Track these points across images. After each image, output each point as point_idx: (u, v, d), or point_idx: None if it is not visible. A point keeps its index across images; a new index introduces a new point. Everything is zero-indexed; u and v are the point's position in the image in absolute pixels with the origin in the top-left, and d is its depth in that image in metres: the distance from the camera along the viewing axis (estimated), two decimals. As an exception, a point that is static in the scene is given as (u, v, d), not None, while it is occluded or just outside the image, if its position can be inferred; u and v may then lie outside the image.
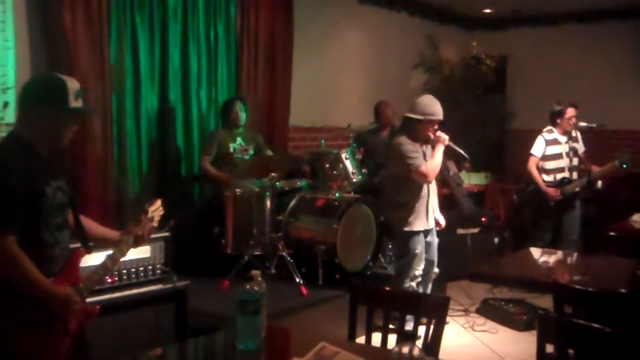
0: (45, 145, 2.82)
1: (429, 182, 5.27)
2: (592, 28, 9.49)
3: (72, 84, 2.81)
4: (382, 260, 6.51)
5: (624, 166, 6.52)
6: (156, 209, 3.28)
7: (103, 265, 3.01)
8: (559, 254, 5.01)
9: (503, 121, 9.92)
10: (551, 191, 6.73)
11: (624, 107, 9.13)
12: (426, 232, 5.39)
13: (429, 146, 5.31)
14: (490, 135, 9.54)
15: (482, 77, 9.86)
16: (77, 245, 2.98)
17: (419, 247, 5.32)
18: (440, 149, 5.20)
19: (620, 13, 9.15)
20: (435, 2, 9.29)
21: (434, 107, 5.16)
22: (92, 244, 3.03)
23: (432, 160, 5.18)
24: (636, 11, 8.99)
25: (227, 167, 6.09)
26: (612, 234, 4.94)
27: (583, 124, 6.73)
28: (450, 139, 5.27)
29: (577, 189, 6.75)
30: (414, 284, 5.36)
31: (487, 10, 9.95)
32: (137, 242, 3.13)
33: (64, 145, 2.90)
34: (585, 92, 9.09)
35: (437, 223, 5.52)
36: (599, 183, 7.09)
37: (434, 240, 5.51)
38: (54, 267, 2.78)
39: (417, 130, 5.18)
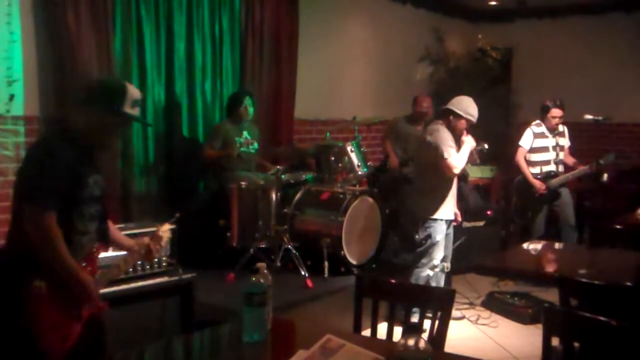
0: (91, 140, 2.97)
1: (453, 175, 5.35)
2: (597, 20, 9.46)
3: (133, 92, 2.99)
4: (388, 252, 6.51)
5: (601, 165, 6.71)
6: (165, 231, 3.33)
7: (117, 266, 3.16)
8: (564, 246, 5.00)
9: (509, 113, 9.88)
10: (537, 183, 6.88)
11: (629, 100, 9.09)
12: (448, 223, 5.48)
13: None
14: (495, 127, 9.51)
15: (488, 70, 9.82)
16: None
17: (441, 236, 5.40)
18: (466, 149, 5.33)
19: (626, 5, 9.12)
20: (440, -6, 9.27)
21: (474, 109, 5.37)
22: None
23: (460, 154, 5.29)
24: (640, 3, 8.96)
25: (232, 160, 6.07)
26: (618, 227, 4.92)
27: (589, 116, 6.75)
28: (476, 147, 5.46)
29: (557, 185, 6.89)
30: (431, 273, 5.40)
31: (493, 3, 9.91)
32: (147, 255, 3.25)
33: (109, 146, 3.15)
34: (591, 85, 9.09)
35: (455, 217, 5.59)
36: (605, 176, 7.09)
37: (451, 233, 5.57)
38: (81, 254, 2.91)
39: (455, 125, 5.33)
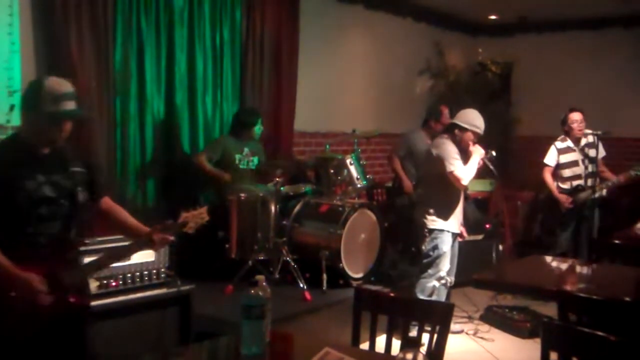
0: (31, 141, 2.97)
1: (461, 188, 5.40)
2: (597, 35, 9.49)
3: (54, 88, 2.94)
4: (386, 266, 6.50)
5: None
6: (195, 216, 3.28)
7: (95, 261, 3.18)
8: (563, 261, 5.00)
9: (508, 128, 9.90)
10: (563, 198, 6.73)
11: (628, 114, 9.11)
12: (453, 237, 5.50)
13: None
14: (495, 141, 9.52)
15: (488, 84, 9.86)
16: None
17: (447, 247, 5.42)
18: (474, 159, 5.34)
19: (625, 20, 9.15)
20: (441, 8, 9.29)
21: (479, 121, 5.40)
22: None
23: (468, 167, 5.31)
24: (640, 18, 9.00)
25: (230, 175, 6.07)
26: (617, 241, 4.92)
27: (588, 131, 6.71)
28: (485, 156, 5.44)
29: (593, 197, 6.67)
30: (437, 284, 5.41)
31: (493, 17, 9.95)
32: (148, 245, 3.20)
33: (55, 144, 3.02)
34: (591, 99, 9.08)
35: (460, 233, 5.62)
36: (604, 190, 7.06)
37: (455, 247, 5.57)
38: (40, 254, 2.89)
39: (461, 138, 5.37)
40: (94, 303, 3.60)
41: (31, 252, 2.89)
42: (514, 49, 10.16)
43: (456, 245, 5.61)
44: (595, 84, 9.40)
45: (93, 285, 4.20)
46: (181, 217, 3.23)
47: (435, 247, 5.41)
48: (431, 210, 5.42)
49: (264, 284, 2.60)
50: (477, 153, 5.35)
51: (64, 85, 2.99)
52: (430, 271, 5.43)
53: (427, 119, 7.07)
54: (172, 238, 3.24)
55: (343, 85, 8.33)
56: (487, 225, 7.46)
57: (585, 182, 6.73)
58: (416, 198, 6.29)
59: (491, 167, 5.57)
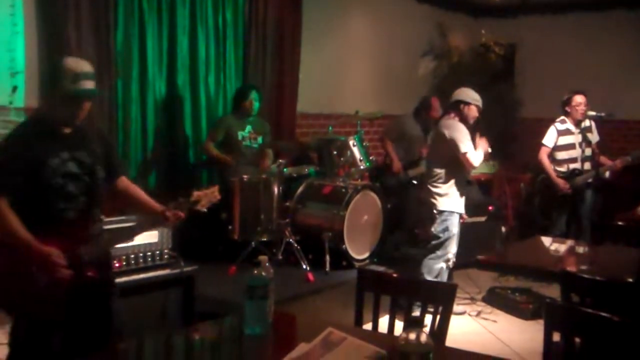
0: (53, 120, 3.05)
1: (471, 169, 5.52)
2: (601, 16, 9.43)
3: (71, 67, 3.01)
4: (389, 247, 6.52)
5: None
6: (207, 194, 3.33)
7: (108, 238, 3.26)
8: (566, 242, 5.00)
9: (511, 109, 9.86)
10: (561, 182, 6.71)
11: (633, 96, 9.07)
12: (458, 215, 5.55)
13: None
14: (498, 123, 9.50)
15: (491, 65, 9.79)
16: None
17: (457, 229, 5.49)
18: (481, 148, 5.46)
19: (629, 2, 9.09)
20: (444, -11, 9.25)
21: (478, 96, 5.56)
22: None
23: (478, 151, 5.43)
24: (643, 0, 8.95)
25: (234, 154, 6.06)
26: (619, 223, 4.92)
27: (592, 113, 6.68)
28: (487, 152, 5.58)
29: (589, 180, 6.72)
30: (444, 265, 5.45)
31: (497, -2, 9.90)
32: (162, 222, 3.33)
33: (71, 123, 3.09)
34: (594, 81, 9.04)
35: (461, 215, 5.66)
36: (607, 173, 7.05)
37: (459, 228, 5.59)
38: (65, 230, 3.00)
39: (467, 113, 5.49)
40: None
41: (56, 227, 2.98)
42: (517, 31, 10.10)
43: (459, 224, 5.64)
44: (599, 66, 9.35)
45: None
46: (193, 195, 3.28)
47: (446, 229, 5.45)
48: (441, 191, 5.46)
49: (267, 264, 2.61)
50: (483, 144, 5.48)
51: (83, 65, 3.06)
52: (439, 252, 5.47)
53: (419, 109, 7.23)
54: (183, 215, 3.30)
55: (346, 66, 8.30)
56: (490, 207, 7.46)
57: (582, 165, 6.73)
58: (420, 179, 6.45)
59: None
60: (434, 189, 5.51)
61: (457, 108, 5.51)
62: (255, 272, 2.58)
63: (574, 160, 6.74)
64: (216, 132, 6.10)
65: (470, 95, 5.53)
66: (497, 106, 9.50)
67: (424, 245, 6.31)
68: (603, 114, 6.68)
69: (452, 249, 5.48)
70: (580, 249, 4.75)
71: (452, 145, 5.36)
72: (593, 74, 9.17)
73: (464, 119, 5.47)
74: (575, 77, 9.08)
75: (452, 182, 5.47)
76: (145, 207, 3.36)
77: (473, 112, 5.50)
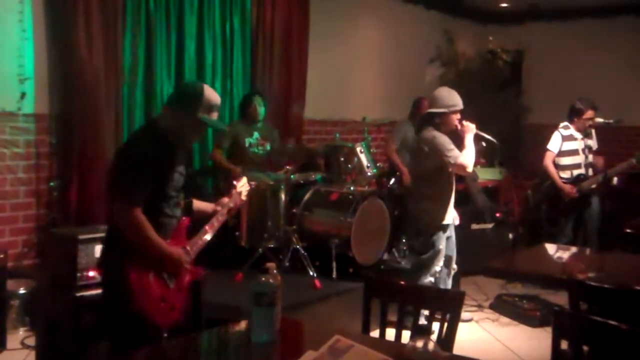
0: (172, 140, 3.25)
1: (469, 173, 5.33)
2: (608, 23, 9.43)
3: (209, 97, 3.25)
4: (396, 254, 6.52)
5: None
6: (243, 185, 3.73)
7: (203, 232, 3.46)
8: (574, 250, 4.98)
9: (518, 116, 9.87)
10: (567, 188, 6.69)
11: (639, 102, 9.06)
12: (446, 227, 5.37)
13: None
14: (505, 129, 9.50)
15: (498, 72, 9.81)
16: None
17: (443, 243, 5.32)
18: (469, 138, 5.15)
19: (636, 8, 9.08)
20: (451, -5, 9.27)
21: (454, 98, 5.18)
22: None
23: (466, 150, 5.11)
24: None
25: (242, 161, 6.06)
26: (628, 230, 4.90)
27: (600, 120, 6.67)
28: (477, 127, 5.25)
29: (593, 186, 6.71)
30: (432, 279, 5.36)
31: (504, 5, 9.90)
32: (229, 212, 3.59)
33: (188, 144, 3.46)
34: (602, 88, 9.03)
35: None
36: (615, 179, 7.04)
37: (452, 235, 5.50)
38: (169, 234, 3.28)
39: (444, 123, 5.15)
40: None
41: (167, 233, 3.25)
42: (525, 37, 10.11)
43: (453, 232, 5.49)
44: (606, 72, 9.35)
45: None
46: (233, 189, 3.69)
47: (433, 246, 5.28)
48: (425, 207, 5.29)
49: (275, 271, 2.60)
50: (470, 130, 5.16)
51: (217, 97, 3.32)
52: (425, 270, 5.33)
53: (412, 111, 7.16)
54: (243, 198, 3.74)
55: (353, 73, 8.32)
56: (498, 214, 7.44)
57: (587, 171, 6.73)
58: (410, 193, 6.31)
59: (486, 136, 5.45)
60: (418, 207, 5.36)
61: (432, 121, 5.17)
62: (263, 279, 2.58)
63: (577, 166, 6.73)
64: (222, 139, 6.10)
65: (444, 104, 5.13)
66: (505, 112, 9.53)
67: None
68: (611, 121, 6.68)
69: (440, 262, 5.33)
70: (589, 256, 4.74)
71: (434, 158, 5.10)
72: (600, 80, 9.17)
73: (440, 131, 5.13)
74: (583, 84, 9.07)
75: (437, 197, 5.26)
76: (205, 214, 3.58)
77: (451, 120, 5.14)
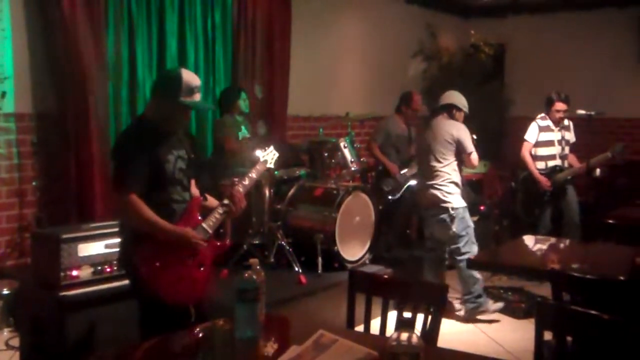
0: (161, 127, 3.33)
1: (474, 168, 6.11)
2: (590, 16, 9.48)
3: (188, 80, 3.27)
4: (381, 248, 6.52)
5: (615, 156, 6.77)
6: (268, 153, 3.96)
7: (217, 207, 3.52)
8: (557, 241, 5.01)
9: (502, 109, 9.90)
10: (543, 180, 6.83)
11: (622, 95, 9.12)
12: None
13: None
14: (489, 123, 9.52)
15: (481, 65, 9.81)
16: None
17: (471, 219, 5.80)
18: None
19: (618, 1, 9.13)
20: (433, -11, 9.27)
21: (465, 101, 5.81)
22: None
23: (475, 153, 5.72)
24: (631, -1, 9.01)
25: (237, 156, 6.01)
26: (610, 221, 4.93)
27: (581, 111, 6.72)
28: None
29: (569, 177, 6.84)
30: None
31: (486, -2, 9.92)
32: (229, 212, 3.58)
33: (176, 130, 3.42)
34: (584, 80, 9.11)
35: None
36: (597, 171, 7.10)
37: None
38: (183, 214, 3.37)
39: (457, 118, 5.75)
40: (89, 289, 3.91)
41: (175, 214, 3.33)
42: (507, 30, 10.14)
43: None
44: (588, 65, 9.41)
45: (87, 271, 4.22)
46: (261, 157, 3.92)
47: (467, 225, 5.68)
48: (452, 190, 5.66)
49: (258, 267, 2.60)
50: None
51: (196, 79, 3.34)
52: (464, 249, 5.65)
53: (399, 105, 7.16)
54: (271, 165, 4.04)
55: (336, 68, 8.31)
56: (482, 207, 7.47)
57: (562, 163, 6.86)
58: (405, 180, 6.83)
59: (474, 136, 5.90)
60: (443, 189, 5.66)
61: (449, 111, 5.75)
62: (246, 275, 2.57)
63: (553, 157, 6.88)
64: (232, 130, 6.01)
65: (462, 102, 5.77)
66: (488, 105, 9.54)
67: (416, 246, 6.35)
68: (593, 113, 6.72)
69: (474, 242, 5.71)
70: (571, 247, 4.77)
71: (459, 145, 5.63)
72: (582, 72, 9.23)
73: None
74: (565, 76, 9.14)
75: (458, 179, 5.71)
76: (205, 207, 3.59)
77: (461, 118, 5.77)
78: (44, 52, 5.33)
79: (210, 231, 3.43)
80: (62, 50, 5.31)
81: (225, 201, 3.54)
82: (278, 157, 4.13)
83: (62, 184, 5.43)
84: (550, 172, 6.84)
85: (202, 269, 3.40)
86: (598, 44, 9.43)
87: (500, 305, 5.88)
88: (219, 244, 3.54)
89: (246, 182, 3.71)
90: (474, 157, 5.69)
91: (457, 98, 5.79)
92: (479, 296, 5.71)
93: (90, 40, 5.46)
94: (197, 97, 3.34)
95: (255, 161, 4.01)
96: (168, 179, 3.32)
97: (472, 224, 5.77)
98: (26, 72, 5.31)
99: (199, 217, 3.44)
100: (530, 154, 6.91)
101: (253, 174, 3.79)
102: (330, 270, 5.72)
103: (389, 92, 8.20)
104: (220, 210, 3.51)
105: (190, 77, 3.31)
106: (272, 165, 4.05)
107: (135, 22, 5.90)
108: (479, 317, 5.84)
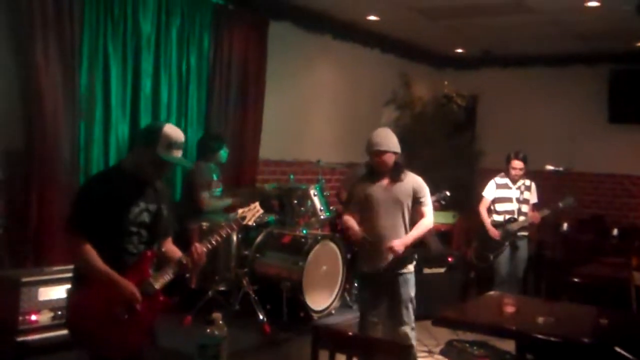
0: (137, 175, 3.33)
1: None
2: (559, 71, 9.66)
3: (169, 135, 3.29)
4: (348, 298, 6.48)
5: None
6: (250, 210, 3.86)
7: (172, 263, 3.46)
8: (523, 299, 5.01)
9: (472, 160, 9.98)
10: (492, 231, 6.98)
11: (589, 149, 9.26)
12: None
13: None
14: (459, 173, 9.59)
15: (453, 116, 9.94)
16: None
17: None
18: None
19: (586, 58, 9.35)
20: (408, 40, 9.37)
21: (374, 138, 4.91)
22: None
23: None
24: (601, 57, 9.23)
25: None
26: (576, 279, 4.95)
27: (550, 167, 6.82)
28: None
29: (524, 233, 6.97)
30: None
31: (459, 50, 10.07)
32: (182, 268, 3.51)
33: (152, 181, 3.41)
34: (553, 135, 9.25)
35: None
36: (565, 226, 7.16)
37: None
38: (129, 270, 3.29)
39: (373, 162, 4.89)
40: (49, 334, 3.90)
41: (123, 267, 3.25)
42: (479, 83, 10.28)
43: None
44: (558, 120, 9.56)
45: (47, 316, 4.14)
46: (238, 212, 3.83)
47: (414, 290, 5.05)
48: (415, 255, 5.01)
49: (221, 322, 2.57)
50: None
51: (178, 135, 3.34)
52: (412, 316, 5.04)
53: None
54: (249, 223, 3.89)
55: (309, 114, 8.34)
56: (450, 258, 7.47)
57: (518, 217, 6.96)
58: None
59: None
60: (407, 253, 4.89)
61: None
62: (208, 330, 2.54)
63: (511, 212, 7.00)
64: (207, 179, 6.00)
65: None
66: (459, 156, 9.63)
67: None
68: (561, 168, 6.82)
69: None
70: (537, 306, 4.76)
71: (423, 201, 4.89)
72: (552, 126, 9.36)
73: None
74: (536, 130, 9.27)
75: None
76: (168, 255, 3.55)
77: (381, 160, 4.83)
78: (16, 90, 5.28)
79: (156, 287, 3.36)
80: (32, 87, 5.25)
81: (183, 260, 3.46)
82: (262, 214, 4.03)
83: (23, 224, 5.32)
84: (504, 222, 6.99)
85: (136, 325, 3.28)
86: (568, 99, 9.61)
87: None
88: (161, 299, 3.41)
89: (213, 242, 3.60)
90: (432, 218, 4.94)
91: (393, 142, 4.87)
92: None
93: (61, 78, 5.41)
94: (177, 153, 3.33)
95: (228, 215, 3.92)
96: (125, 229, 3.29)
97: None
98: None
99: (150, 271, 3.38)
100: (489, 209, 7.08)
101: (223, 233, 3.66)
102: (296, 319, 5.67)
103: (362, 140, 8.16)
104: (174, 268, 3.45)
105: (172, 131, 3.31)
106: (252, 223, 3.91)
107: (110, 61, 5.87)
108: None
